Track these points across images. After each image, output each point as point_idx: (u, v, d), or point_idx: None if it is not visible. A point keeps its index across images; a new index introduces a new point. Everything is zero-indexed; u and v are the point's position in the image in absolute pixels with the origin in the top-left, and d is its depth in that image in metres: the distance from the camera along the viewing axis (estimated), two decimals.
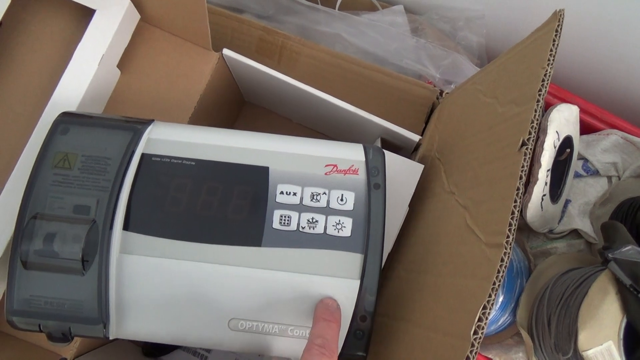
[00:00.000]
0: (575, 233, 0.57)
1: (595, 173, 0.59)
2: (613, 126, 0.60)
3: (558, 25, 0.33)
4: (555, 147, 0.50)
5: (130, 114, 0.43)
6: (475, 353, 0.29)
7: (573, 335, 0.44)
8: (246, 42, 0.54)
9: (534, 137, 0.32)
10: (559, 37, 0.33)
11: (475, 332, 0.29)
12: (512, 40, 0.42)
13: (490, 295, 0.29)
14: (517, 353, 0.54)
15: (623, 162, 0.58)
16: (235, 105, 0.58)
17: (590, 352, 0.43)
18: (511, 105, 0.35)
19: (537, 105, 0.32)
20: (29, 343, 0.41)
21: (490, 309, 0.29)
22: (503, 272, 0.30)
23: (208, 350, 0.55)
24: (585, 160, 0.59)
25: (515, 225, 0.30)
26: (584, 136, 0.60)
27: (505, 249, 0.30)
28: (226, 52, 0.45)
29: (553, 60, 0.33)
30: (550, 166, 0.50)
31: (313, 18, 0.60)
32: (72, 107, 0.39)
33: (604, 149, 0.59)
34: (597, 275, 0.46)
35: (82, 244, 0.33)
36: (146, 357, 0.52)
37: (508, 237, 0.30)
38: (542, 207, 0.52)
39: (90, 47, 0.40)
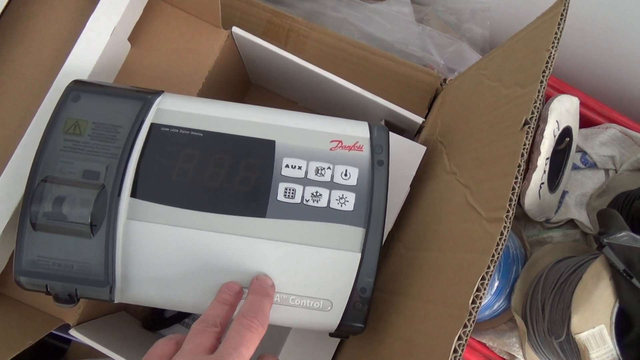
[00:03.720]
0: (572, 223, 0.58)
1: (593, 166, 0.60)
2: (612, 120, 0.61)
3: (564, 10, 0.34)
4: (555, 136, 0.51)
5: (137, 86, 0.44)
6: (473, 321, 0.29)
7: (566, 319, 0.45)
8: (254, 24, 0.55)
9: (536, 116, 0.33)
10: (564, 20, 0.34)
11: (474, 302, 0.30)
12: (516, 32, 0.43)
13: (489, 267, 0.30)
14: (511, 338, 0.55)
15: (620, 156, 0.59)
16: (241, 86, 0.59)
17: (582, 335, 0.44)
18: (515, 88, 0.36)
19: (541, 86, 0.33)
20: (34, 307, 0.41)
21: (488, 280, 0.30)
22: (502, 245, 0.30)
23: None
24: (584, 152, 0.60)
25: (515, 200, 0.31)
26: (583, 129, 0.61)
27: (505, 223, 0.31)
28: (235, 30, 0.46)
29: (558, 43, 0.34)
30: (549, 154, 0.51)
31: (321, 3, 0.61)
32: (84, 77, 0.40)
33: (603, 142, 0.60)
34: (592, 261, 0.47)
35: (91, 208, 0.34)
36: (146, 330, 0.53)
37: (508, 211, 0.31)
38: (539, 195, 0.53)
39: (102, 19, 0.40)
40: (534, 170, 0.49)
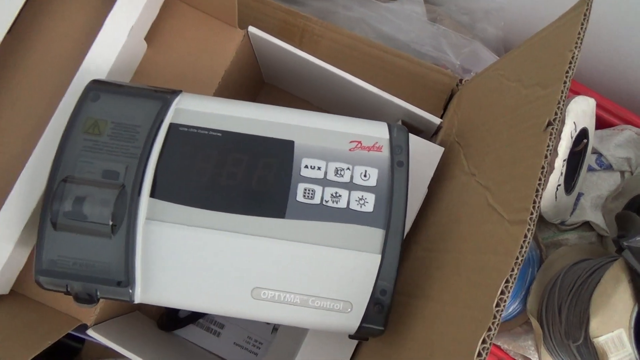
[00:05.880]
0: (587, 225, 0.58)
1: (609, 167, 0.59)
2: (627, 122, 0.60)
3: (587, 10, 0.34)
4: (572, 138, 0.51)
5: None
6: (497, 325, 0.29)
7: (584, 322, 0.45)
8: (269, 23, 0.55)
9: (560, 117, 0.32)
10: (587, 21, 0.34)
11: (498, 305, 0.29)
12: (530, 32, 0.42)
13: (513, 270, 0.30)
14: (526, 341, 0.54)
15: (636, 158, 0.59)
16: (255, 85, 0.59)
17: (601, 339, 0.44)
18: (536, 88, 0.36)
19: (564, 86, 0.33)
20: (51, 307, 0.41)
21: (512, 283, 0.30)
22: (526, 247, 0.30)
23: (221, 326, 0.55)
24: (599, 154, 0.60)
25: (539, 202, 0.31)
26: (599, 131, 0.61)
27: (529, 225, 0.30)
28: (252, 29, 0.45)
29: (581, 43, 0.33)
30: (566, 156, 0.51)
31: (333, 1, 0.61)
32: (101, 76, 0.40)
33: (618, 144, 0.59)
34: (610, 264, 0.46)
35: (112, 208, 0.34)
36: (160, 330, 0.53)
37: (532, 214, 0.30)
38: (556, 197, 0.52)
39: (120, 18, 0.40)
40: (551, 172, 0.49)
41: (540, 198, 0.31)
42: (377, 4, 0.62)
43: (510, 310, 0.54)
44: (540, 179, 0.31)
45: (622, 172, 0.59)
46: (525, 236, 0.30)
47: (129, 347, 0.42)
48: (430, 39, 0.58)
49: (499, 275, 0.30)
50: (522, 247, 0.30)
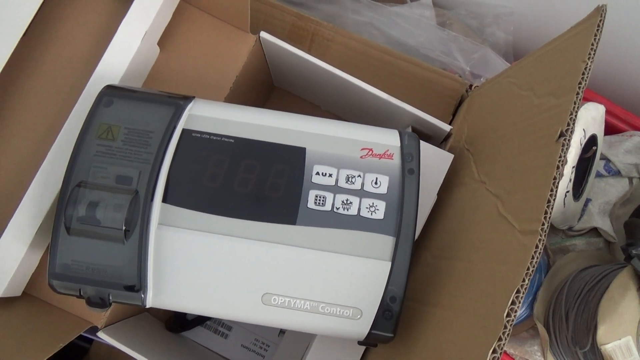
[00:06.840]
0: (595, 231, 0.58)
1: (617, 173, 0.59)
2: (636, 128, 0.60)
3: (600, 20, 0.34)
4: (581, 145, 0.51)
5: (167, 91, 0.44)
6: (508, 335, 0.29)
7: (591, 329, 0.45)
8: (278, 27, 0.55)
9: (572, 128, 0.33)
10: (601, 32, 0.34)
11: (508, 315, 0.29)
12: (540, 38, 0.42)
13: (524, 280, 0.30)
14: (532, 346, 0.54)
15: None
16: (265, 90, 0.59)
17: (608, 346, 0.44)
18: (549, 98, 0.36)
19: (577, 97, 0.33)
20: (63, 310, 0.41)
21: (523, 293, 0.30)
22: (537, 258, 0.30)
23: (229, 328, 0.55)
24: (608, 160, 0.60)
25: (550, 213, 0.31)
26: (607, 137, 0.60)
27: (540, 235, 0.30)
28: (263, 34, 0.46)
29: (594, 54, 0.33)
30: (575, 163, 0.51)
31: (342, 5, 0.61)
32: (115, 81, 0.40)
33: (627, 150, 0.59)
34: (618, 271, 0.46)
35: (125, 214, 0.34)
36: (168, 332, 0.53)
37: (543, 224, 0.31)
38: (564, 204, 0.52)
39: (134, 24, 0.40)
40: (560, 178, 0.49)
41: (552, 208, 0.31)
42: (385, 8, 0.62)
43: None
44: (552, 190, 0.31)
45: (631, 179, 0.59)
46: (537, 247, 0.30)
47: (138, 349, 0.42)
48: (439, 44, 0.58)
49: (510, 285, 0.30)
50: (533, 258, 0.30)
